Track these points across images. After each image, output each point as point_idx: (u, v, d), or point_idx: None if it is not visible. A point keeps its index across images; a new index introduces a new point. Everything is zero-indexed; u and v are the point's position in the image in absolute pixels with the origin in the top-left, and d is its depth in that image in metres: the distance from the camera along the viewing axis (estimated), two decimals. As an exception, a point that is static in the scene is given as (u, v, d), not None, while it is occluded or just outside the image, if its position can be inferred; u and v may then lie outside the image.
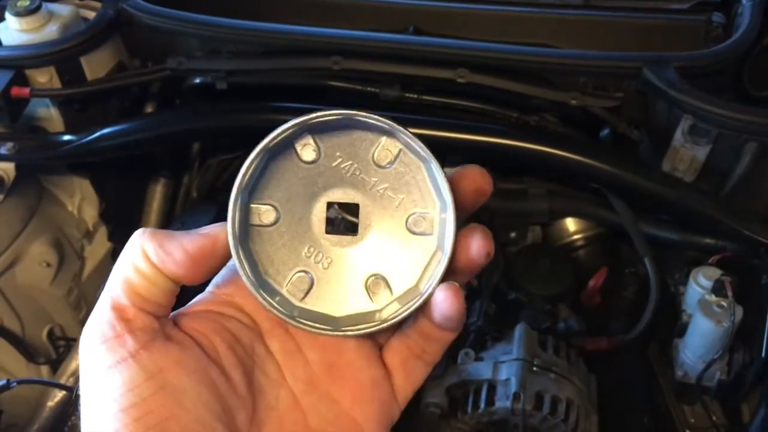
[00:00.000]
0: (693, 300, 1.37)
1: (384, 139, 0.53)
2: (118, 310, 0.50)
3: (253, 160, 0.53)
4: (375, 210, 0.54)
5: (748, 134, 1.25)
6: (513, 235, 1.60)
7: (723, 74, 1.41)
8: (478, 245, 0.52)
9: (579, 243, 1.62)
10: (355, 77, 1.46)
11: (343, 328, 0.54)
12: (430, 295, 0.52)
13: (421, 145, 0.52)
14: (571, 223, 1.63)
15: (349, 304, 0.55)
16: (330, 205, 0.55)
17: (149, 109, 1.66)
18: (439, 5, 1.60)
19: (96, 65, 1.54)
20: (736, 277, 1.34)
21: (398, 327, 0.56)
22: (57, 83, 1.49)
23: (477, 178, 0.55)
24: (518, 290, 1.49)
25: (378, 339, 0.57)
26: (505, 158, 1.45)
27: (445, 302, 0.51)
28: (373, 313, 0.55)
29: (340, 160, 0.54)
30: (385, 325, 0.54)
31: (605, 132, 1.44)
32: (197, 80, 1.52)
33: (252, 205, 0.54)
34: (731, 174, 1.31)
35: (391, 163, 0.54)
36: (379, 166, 0.54)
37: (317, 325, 0.53)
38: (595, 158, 1.36)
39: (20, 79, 1.44)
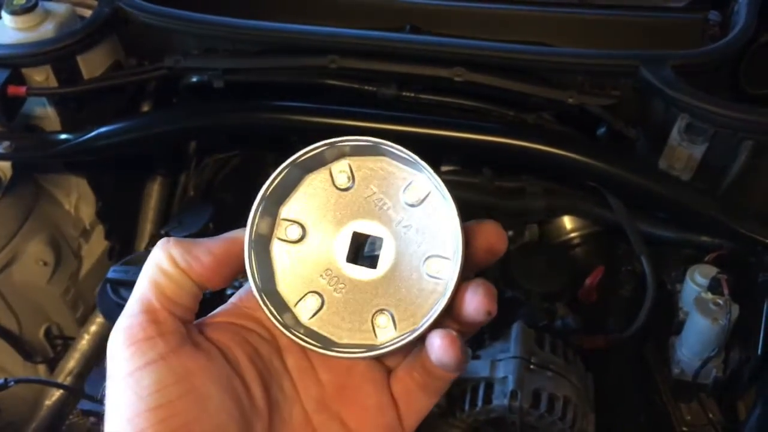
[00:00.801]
0: (689, 298, 1.37)
1: (416, 178, 0.55)
2: (150, 313, 0.52)
3: (279, 173, 0.54)
4: (397, 247, 0.55)
5: (744, 133, 1.25)
6: (510, 233, 1.60)
7: (719, 72, 1.42)
8: (477, 303, 0.52)
9: (576, 241, 1.63)
10: (352, 76, 1.45)
11: (334, 349, 0.54)
12: (423, 333, 0.52)
13: (444, 187, 0.53)
14: (568, 221, 1.63)
15: (352, 334, 0.56)
16: (356, 234, 0.56)
17: (146, 107, 1.66)
18: (436, 4, 1.60)
19: (92, 64, 1.53)
20: (732, 274, 1.35)
21: (404, 356, 0.56)
22: (53, 82, 1.49)
23: (491, 236, 0.55)
24: (515, 288, 1.50)
25: (387, 365, 0.57)
26: (503, 156, 1.45)
27: (440, 349, 0.51)
28: (372, 346, 0.55)
29: (372, 192, 0.55)
30: (373, 353, 0.54)
31: (602, 130, 1.44)
32: (194, 79, 1.52)
33: (281, 219, 0.56)
34: (728, 172, 1.31)
35: (420, 202, 0.55)
36: (408, 205, 0.55)
37: (310, 341, 0.54)
38: (592, 156, 1.36)
39: (16, 78, 1.44)
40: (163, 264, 0.53)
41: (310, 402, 0.56)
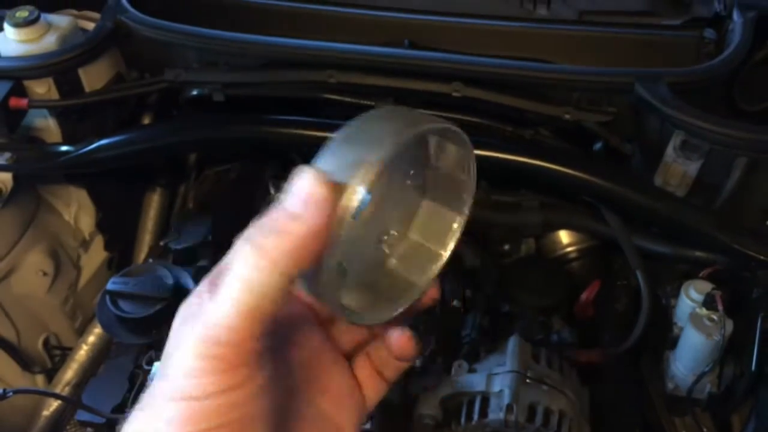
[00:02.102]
0: (684, 313, 1.38)
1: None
2: (250, 341, 0.46)
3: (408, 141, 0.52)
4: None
5: (739, 150, 1.26)
6: (506, 247, 1.61)
7: (715, 89, 1.43)
8: (402, 342, 0.60)
9: (572, 255, 1.63)
10: (350, 90, 1.47)
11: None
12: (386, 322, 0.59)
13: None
14: (564, 236, 1.64)
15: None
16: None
17: (146, 120, 1.66)
18: (435, 19, 1.62)
19: (94, 76, 1.54)
20: (726, 290, 1.35)
21: (363, 344, 0.64)
22: (55, 94, 1.50)
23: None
24: (512, 302, 1.50)
25: (347, 351, 0.64)
26: (500, 171, 1.46)
27: (398, 343, 0.60)
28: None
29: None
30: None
31: (598, 146, 1.45)
32: (194, 92, 1.53)
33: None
34: (722, 188, 1.32)
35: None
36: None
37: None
38: (588, 172, 1.38)
39: (18, 90, 1.45)
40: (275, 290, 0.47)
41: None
